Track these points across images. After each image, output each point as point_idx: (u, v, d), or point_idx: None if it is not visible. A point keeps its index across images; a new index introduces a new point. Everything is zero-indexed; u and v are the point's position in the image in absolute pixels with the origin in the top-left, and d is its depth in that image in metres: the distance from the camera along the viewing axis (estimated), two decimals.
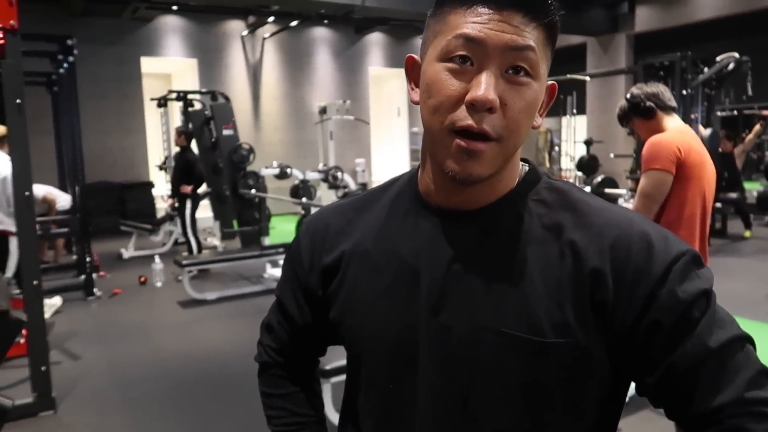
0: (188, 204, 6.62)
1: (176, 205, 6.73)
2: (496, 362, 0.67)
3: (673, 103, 2.34)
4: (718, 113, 8.80)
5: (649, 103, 2.32)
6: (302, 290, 0.85)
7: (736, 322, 0.65)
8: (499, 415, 0.68)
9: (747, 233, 7.79)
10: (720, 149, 7.34)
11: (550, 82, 0.70)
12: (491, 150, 0.65)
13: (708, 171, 2.28)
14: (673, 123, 2.34)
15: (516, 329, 0.65)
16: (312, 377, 0.96)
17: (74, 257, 6.56)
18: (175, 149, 7.20)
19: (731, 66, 6.97)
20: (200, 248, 6.79)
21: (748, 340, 0.64)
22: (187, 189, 6.53)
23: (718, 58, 7.04)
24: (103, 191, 9.73)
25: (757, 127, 8.21)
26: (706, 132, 7.01)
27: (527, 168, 0.75)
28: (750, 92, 6.88)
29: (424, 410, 0.71)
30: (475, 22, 0.63)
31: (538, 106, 0.68)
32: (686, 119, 7.02)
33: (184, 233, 6.76)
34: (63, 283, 5.64)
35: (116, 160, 10.43)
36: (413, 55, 0.73)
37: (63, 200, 6.09)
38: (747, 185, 8.89)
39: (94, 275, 5.87)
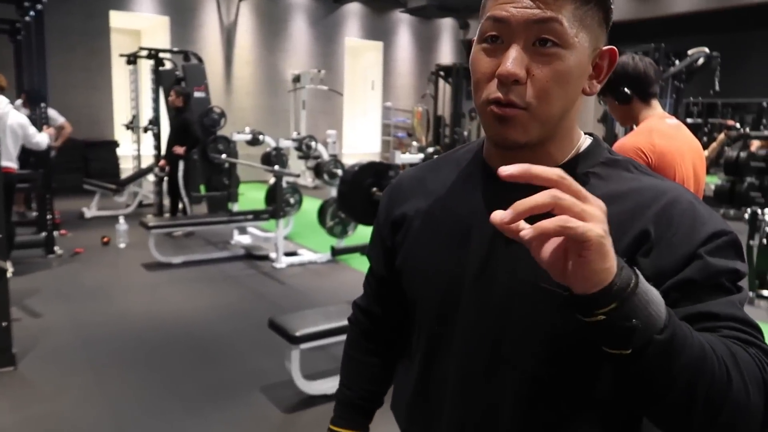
0: (181, 165, 6.48)
1: (167, 167, 6.57)
2: (528, 311, 0.73)
3: (654, 90, 2.15)
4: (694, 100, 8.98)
5: (627, 90, 2.13)
6: (380, 243, 0.95)
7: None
8: (526, 359, 0.74)
9: None
10: None
11: (606, 48, 0.74)
12: (522, 117, 0.70)
13: (689, 158, 2.07)
14: (647, 114, 2.15)
15: (551, 283, 0.68)
16: (390, 344, 1.02)
17: (34, 214, 6.38)
18: (157, 113, 7.01)
19: (701, 61, 7.12)
20: (185, 210, 6.70)
21: (757, 330, 0.67)
22: (180, 150, 6.38)
23: (689, 52, 7.19)
24: (65, 148, 9.39)
25: (721, 136, 8.43)
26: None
27: (589, 141, 0.79)
28: (717, 87, 7.06)
29: (459, 350, 0.79)
30: (502, 4, 0.69)
31: (573, 74, 0.70)
32: None
33: (175, 194, 6.63)
34: (23, 240, 5.49)
35: (81, 116, 10.08)
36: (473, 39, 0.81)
37: (42, 140, 5.17)
38: (706, 179, 9.19)
39: (55, 233, 5.73)
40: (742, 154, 8.31)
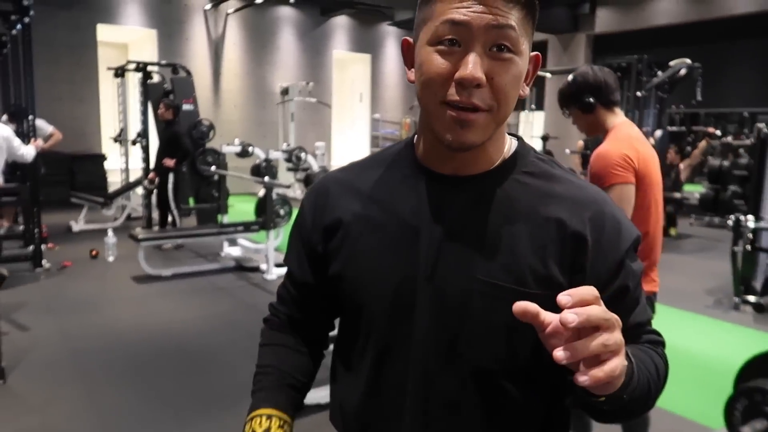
0: (170, 178, 6.47)
1: (157, 179, 6.55)
2: (484, 309, 0.76)
3: (616, 97, 2.16)
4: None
5: (590, 99, 2.13)
6: (305, 249, 0.91)
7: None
8: (483, 354, 0.78)
9: (673, 231, 8.02)
10: (667, 161, 7.65)
11: (533, 54, 0.78)
12: (483, 119, 0.73)
13: (656, 172, 2.12)
14: (614, 121, 2.14)
15: (504, 281, 0.75)
16: (313, 345, 0.99)
17: (21, 227, 6.32)
18: (147, 125, 7.00)
19: (683, 71, 7.27)
20: (175, 222, 6.68)
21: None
22: (170, 163, 6.36)
23: (671, 63, 7.34)
24: (51, 161, 9.34)
25: (703, 143, 8.57)
26: (658, 133, 7.31)
27: (516, 142, 0.84)
28: (699, 97, 7.20)
29: (417, 352, 0.80)
30: (459, 8, 0.70)
31: (522, 78, 0.75)
32: (640, 123, 7.32)
33: (165, 207, 6.60)
34: (10, 254, 5.44)
35: (67, 130, 9.96)
36: (408, 38, 0.81)
37: (27, 153, 5.14)
38: (689, 188, 9.33)
39: (43, 247, 5.69)
40: (725, 163, 8.46)
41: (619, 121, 2.15)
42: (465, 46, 0.71)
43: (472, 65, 0.69)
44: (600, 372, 0.59)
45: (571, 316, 0.58)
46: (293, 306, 0.96)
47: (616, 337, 0.60)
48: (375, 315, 0.83)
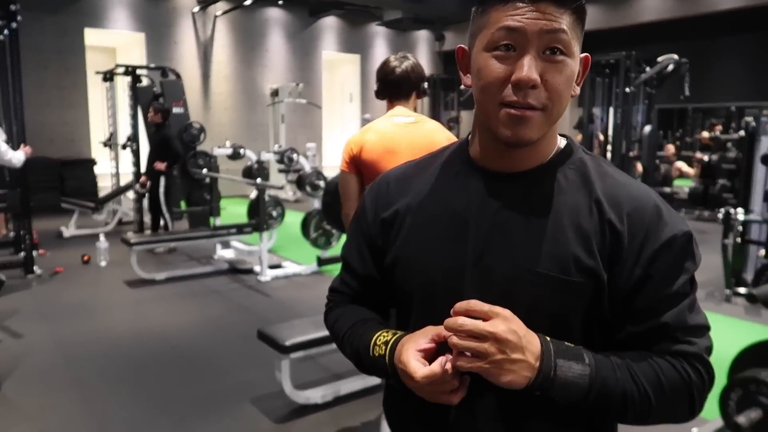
0: (162, 181, 6.44)
1: (148, 183, 6.51)
2: (529, 296, 0.80)
3: (392, 90, 2.29)
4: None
5: (378, 85, 2.31)
6: (366, 242, 0.97)
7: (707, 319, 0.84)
8: None
9: None
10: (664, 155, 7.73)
11: (583, 55, 0.83)
12: (538, 117, 0.78)
13: (389, 159, 2.10)
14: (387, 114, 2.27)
15: (549, 270, 0.80)
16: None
17: (11, 234, 6.27)
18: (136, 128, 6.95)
19: (671, 67, 7.32)
20: (167, 226, 6.64)
21: (708, 330, 0.83)
22: (161, 166, 6.33)
23: (659, 59, 7.39)
24: (41, 167, 9.29)
25: (693, 170, 8.67)
26: (647, 129, 7.37)
27: (565, 141, 0.89)
28: (687, 92, 7.25)
29: None
30: (514, 15, 0.76)
31: (574, 78, 0.80)
32: (627, 126, 7.38)
33: (156, 210, 6.57)
34: (1, 261, 5.40)
35: (56, 135, 9.99)
36: (463, 46, 0.87)
37: (16, 158, 4.97)
38: (679, 182, 9.44)
39: (34, 253, 5.65)
40: (714, 157, 8.54)
41: (388, 112, 2.28)
42: (520, 51, 0.76)
43: (527, 68, 0.75)
44: (462, 362, 0.75)
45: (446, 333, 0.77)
46: (353, 298, 1.01)
47: (483, 346, 0.73)
48: (425, 302, 0.88)
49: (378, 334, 0.89)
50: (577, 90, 0.82)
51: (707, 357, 0.82)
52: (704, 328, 0.82)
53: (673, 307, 0.79)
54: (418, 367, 0.78)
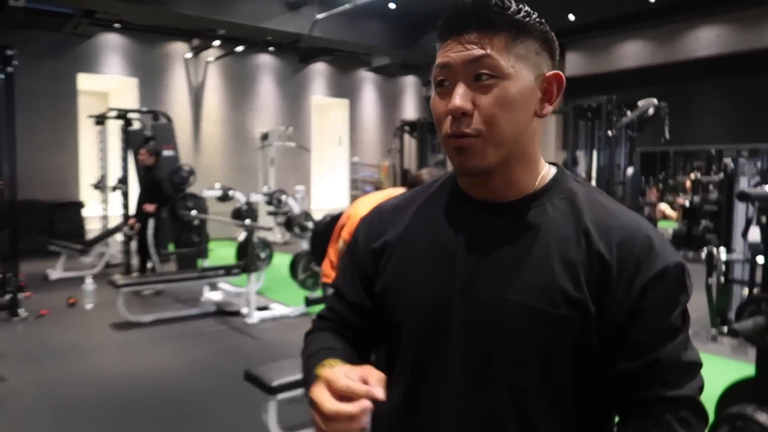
0: (150, 223, 6.45)
1: (137, 225, 6.53)
2: (517, 329, 0.80)
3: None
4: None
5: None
6: (358, 271, 0.97)
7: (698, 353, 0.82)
8: (516, 373, 0.81)
9: None
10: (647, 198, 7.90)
11: (551, 73, 0.83)
12: (477, 143, 0.80)
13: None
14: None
15: (536, 302, 0.79)
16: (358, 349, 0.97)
17: None
18: (126, 170, 7.00)
19: (651, 111, 7.53)
20: (154, 268, 6.62)
21: (701, 367, 0.81)
22: (151, 208, 6.37)
23: (639, 103, 7.60)
24: (30, 210, 9.25)
25: (675, 214, 8.87)
26: (629, 171, 7.52)
27: (554, 169, 0.89)
28: (667, 135, 7.44)
29: (452, 369, 0.84)
30: (446, 52, 0.81)
31: (517, 99, 0.79)
32: (612, 161, 7.54)
33: (145, 252, 6.56)
34: None
35: (48, 177, 10.00)
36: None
37: None
38: (662, 224, 9.60)
39: (20, 295, 5.59)
40: (696, 199, 8.69)
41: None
42: (452, 84, 0.80)
43: (456, 98, 0.78)
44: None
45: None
46: (336, 325, 0.98)
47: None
48: (413, 332, 0.88)
49: (332, 359, 0.82)
50: (547, 109, 0.82)
51: (699, 398, 0.80)
52: (697, 366, 0.80)
53: (667, 342, 0.77)
54: (328, 399, 0.71)
